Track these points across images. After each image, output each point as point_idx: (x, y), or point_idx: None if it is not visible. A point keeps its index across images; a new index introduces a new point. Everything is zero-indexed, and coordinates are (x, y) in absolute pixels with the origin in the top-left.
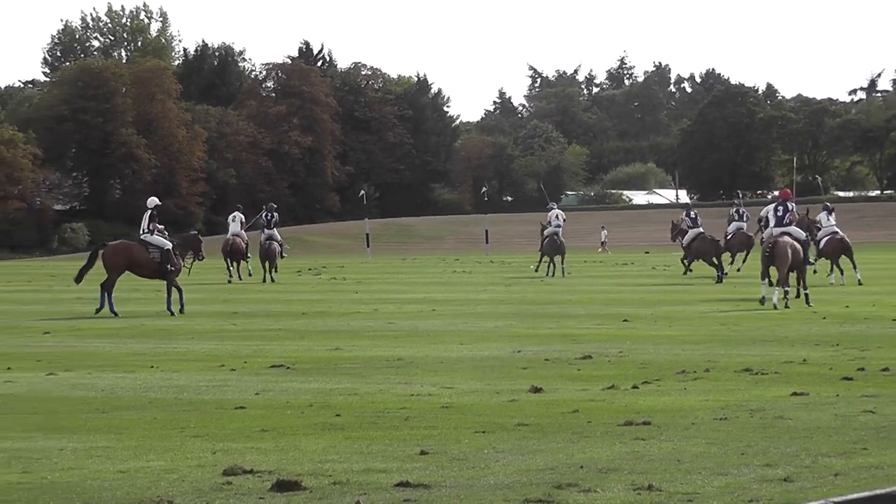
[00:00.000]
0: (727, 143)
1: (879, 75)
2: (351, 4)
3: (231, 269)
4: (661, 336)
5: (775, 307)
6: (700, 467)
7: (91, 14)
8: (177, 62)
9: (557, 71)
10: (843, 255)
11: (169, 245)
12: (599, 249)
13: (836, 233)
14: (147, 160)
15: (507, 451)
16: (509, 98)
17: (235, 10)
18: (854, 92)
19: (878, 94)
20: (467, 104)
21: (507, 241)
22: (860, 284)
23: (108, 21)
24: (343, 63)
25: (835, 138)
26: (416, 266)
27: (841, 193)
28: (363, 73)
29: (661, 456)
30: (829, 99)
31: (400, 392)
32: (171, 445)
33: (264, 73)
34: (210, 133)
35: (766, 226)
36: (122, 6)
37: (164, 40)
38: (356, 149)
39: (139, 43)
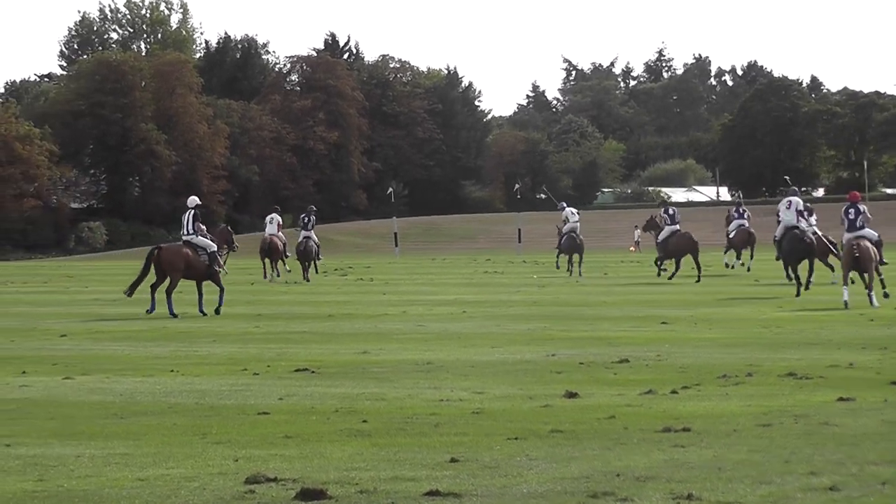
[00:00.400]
0: (770, 138)
1: None
2: None
3: (267, 268)
4: (700, 339)
5: (846, 304)
6: (742, 475)
7: (109, 5)
8: (198, 55)
9: (593, 63)
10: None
11: (214, 246)
12: (632, 248)
13: (816, 232)
14: (167, 157)
15: (541, 459)
16: (543, 92)
17: (259, 1)
18: None
19: None
20: (499, 98)
21: (539, 241)
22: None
23: (127, 12)
24: (370, 56)
25: (882, 133)
26: (445, 266)
27: (889, 190)
28: (391, 66)
29: (701, 464)
30: (877, 92)
31: (429, 397)
32: (192, 452)
33: (288, 66)
34: (232, 128)
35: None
36: None
37: (184, 32)
38: (384, 144)
39: (159, 35)
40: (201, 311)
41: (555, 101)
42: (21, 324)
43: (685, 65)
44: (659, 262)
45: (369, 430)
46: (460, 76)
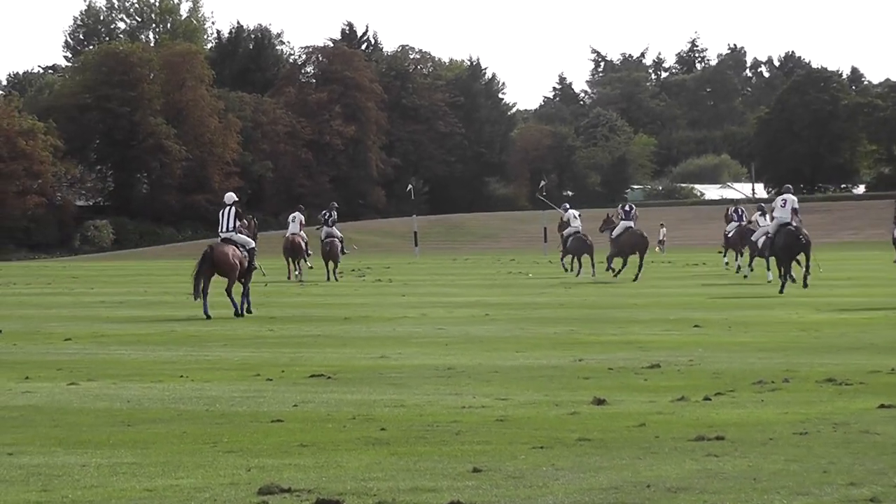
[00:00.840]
0: (808, 132)
1: None
2: None
3: (291, 267)
4: (735, 343)
5: None
6: (778, 486)
7: None
8: (209, 46)
9: (623, 54)
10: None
11: (253, 243)
12: (657, 249)
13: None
14: (177, 152)
15: (567, 469)
16: (570, 84)
17: None
18: None
19: None
20: (524, 91)
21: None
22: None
23: (135, 1)
24: (389, 46)
25: None
26: (467, 267)
27: None
28: (411, 56)
29: (735, 474)
30: None
31: (450, 404)
32: (203, 461)
33: (304, 57)
34: (245, 122)
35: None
36: None
37: (195, 22)
38: (403, 139)
39: (168, 25)
40: (249, 310)
41: (582, 94)
42: (24, 327)
43: (719, 55)
44: (610, 260)
45: (387, 439)
46: (483, 67)
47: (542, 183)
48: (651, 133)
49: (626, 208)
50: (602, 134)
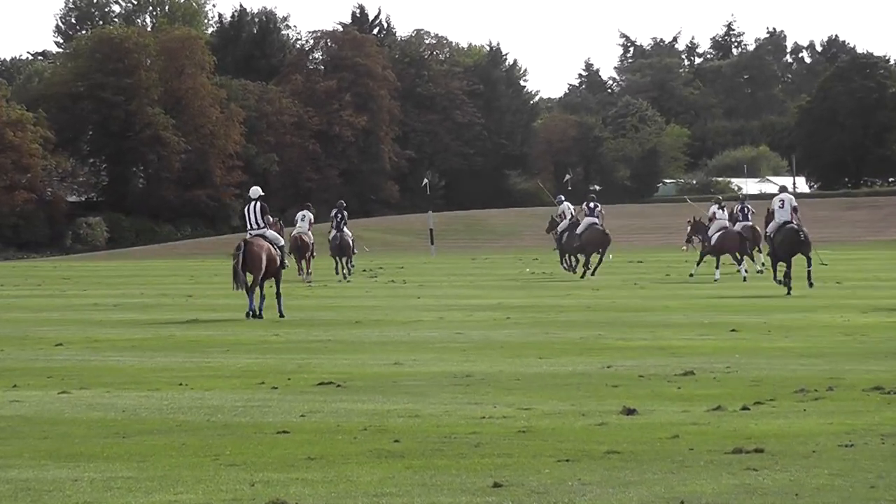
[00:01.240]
0: (853, 122)
1: None
2: None
3: (297, 266)
4: (775, 348)
5: None
6: (822, 502)
7: None
8: (210, 30)
9: (654, 39)
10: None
11: (282, 241)
12: (684, 248)
13: (728, 226)
14: (175, 144)
15: (595, 484)
16: (597, 70)
17: None
18: None
19: None
20: (548, 78)
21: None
22: (744, 280)
23: None
24: (403, 31)
25: None
26: (488, 266)
27: None
28: (426, 42)
29: (776, 489)
30: None
31: (469, 414)
32: (203, 476)
33: (311, 42)
34: (248, 112)
35: (772, 218)
36: None
37: (195, 5)
38: (418, 130)
39: (166, 8)
40: (259, 313)
41: (610, 81)
42: (12, 331)
43: (757, 40)
44: (567, 257)
45: (402, 451)
46: (504, 53)
47: (567, 177)
48: (684, 123)
49: (591, 205)
50: (631, 124)
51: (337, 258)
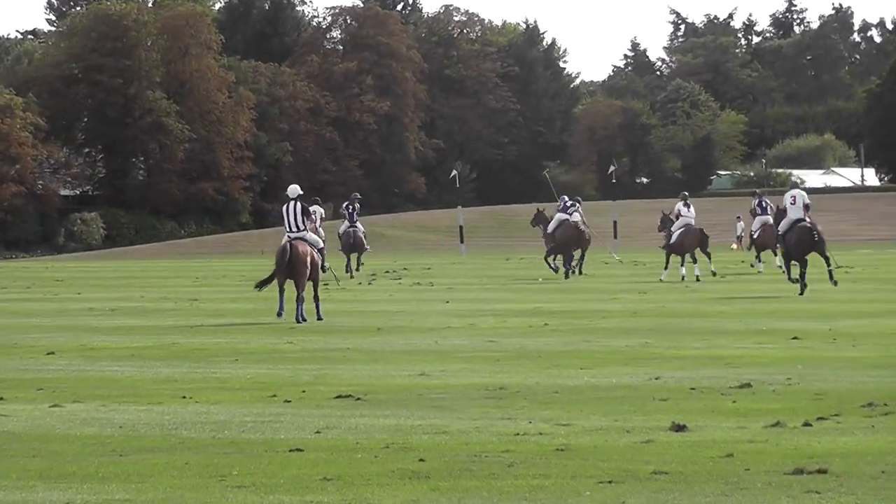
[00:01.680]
0: None
1: None
2: None
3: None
4: (841, 358)
5: None
6: None
7: None
8: (217, 6)
9: (707, 16)
10: (698, 248)
11: (322, 243)
12: (734, 246)
13: (691, 224)
14: (179, 132)
15: None
16: (644, 51)
17: None
18: None
19: None
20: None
21: (640, 236)
22: (714, 275)
23: None
24: (430, 7)
25: None
26: (523, 267)
27: None
28: (456, 19)
29: None
30: None
31: (502, 430)
32: (208, 498)
33: (329, 20)
34: (259, 97)
35: (783, 216)
36: None
37: None
38: (447, 117)
39: None
40: (301, 317)
41: (659, 63)
42: None
43: (821, 17)
44: (548, 258)
45: (427, 471)
46: (541, 32)
47: (612, 168)
48: (741, 109)
49: (568, 203)
50: (682, 110)
51: (348, 255)
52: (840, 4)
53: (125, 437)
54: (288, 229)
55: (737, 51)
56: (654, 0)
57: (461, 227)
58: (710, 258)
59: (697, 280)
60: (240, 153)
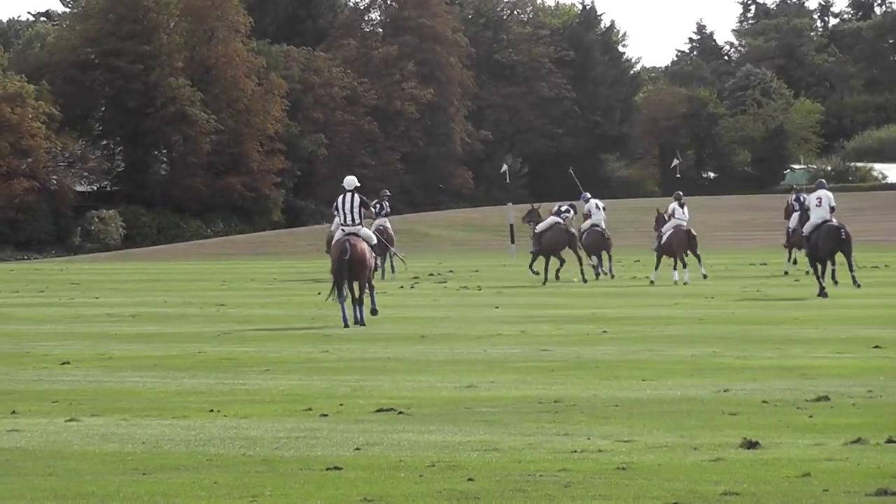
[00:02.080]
0: None
1: None
2: None
3: None
4: None
5: None
6: None
7: None
8: None
9: None
10: (688, 250)
11: (374, 238)
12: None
13: (681, 225)
14: (204, 122)
15: None
16: (711, 34)
17: None
18: None
19: None
20: (652, 43)
21: (708, 235)
22: (705, 278)
23: None
24: None
25: None
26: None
27: None
28: (505, 0)
29: None
30: None
31: (557, 447)
32: None
33: (367, 0)
34: (291, 85)
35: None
36: None
37: None
38: (496, 106)
39: None
40: (374, 310)
41: (728, 47)
42: (10, 347)
43: None
44: (533, 261)
45: (476, 492)
46: (599, 13)
47: (676, 162)
48: (816, 97)
49: (564, 207)
50: (753, 99)
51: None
52: None
53: (148, 453)
54: (343, 222)
55: (812, 34)
56: None
57: (511, 226)
58: (700, 260)
59: (685, 283)
60: (270, 145)
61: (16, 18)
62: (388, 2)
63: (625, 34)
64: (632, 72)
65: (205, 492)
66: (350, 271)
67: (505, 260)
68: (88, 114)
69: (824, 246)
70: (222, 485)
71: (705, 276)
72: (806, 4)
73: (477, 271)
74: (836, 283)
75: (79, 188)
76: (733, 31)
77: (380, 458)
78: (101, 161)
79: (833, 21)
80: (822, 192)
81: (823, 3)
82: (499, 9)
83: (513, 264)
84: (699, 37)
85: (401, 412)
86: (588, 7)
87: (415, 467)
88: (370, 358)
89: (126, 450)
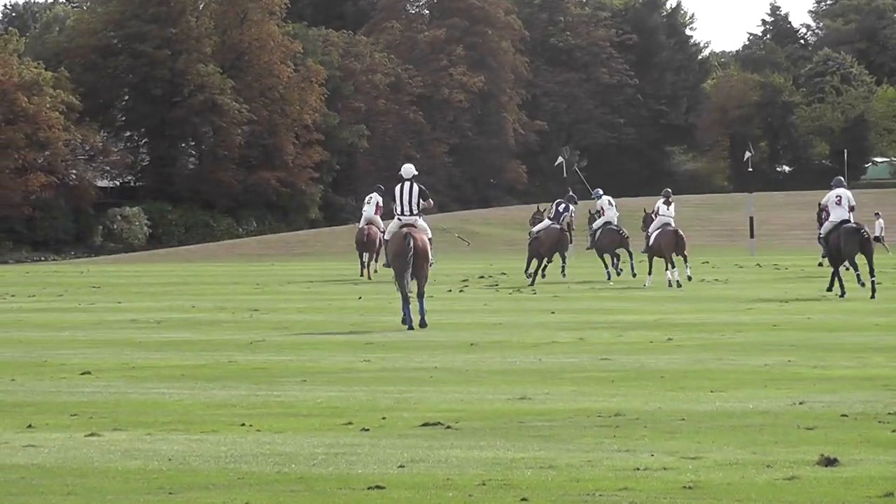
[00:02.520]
0: None
1: None
2: None
3: (366, 263)
4: None
5: None
6: None
7: None
8: None
9: None
10: (676, 251)
11: (430, 231)
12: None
13: (668, 225)
14: (236, 112)
15: None
16: (786, 16)
17: None
18: None
19: None
20: (722, 25)
21: (782, 235)
22: (689, 280)
23: None
24: None
25: None
26: (640, 272)
27: None
28: None
29: None
30: None
31: (618, 464)
32: None
33: None
34: (330, 71)
35: (828, 217)
36: None
37: None
38: (552, 94)
39: None
40: (423, 322)
41: (804, 30)
42: (26, 355)
43: None
44: (529, 266)
45: None
46: None
47: (748, 155)
48: None
49: (561, 207)
50: (832, 86)
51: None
52: None
53: (174, 471)
54: (400, 212)
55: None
56: None
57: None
58: (686, 261)
59: (679, 286)
60: (307, 137)
61: (33, 1)
62: None
63: (692, 16)
64: (700, 56)
65: None
66: (412, 266)
67: (559, 261)
68: (111, 103)
69: (846, 248)
70: None
71: (690, 279)
72: None
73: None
74: (862, 285)
75: (100, 183)
76: (810, 12)
77: (425, 477)
78: (125, 154)
79: None
80: (841, 191)
81: None
82: None
83: (570, 265)
84: (773, 19)
85: (448, 426)
86: None
87: (464, 486)
88: (415, 367)
89: (151, 467)
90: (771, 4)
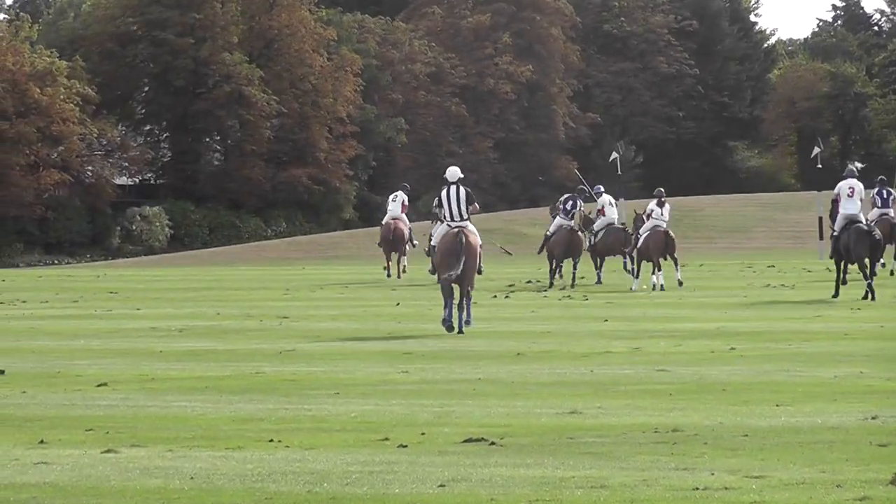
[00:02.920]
0: None
1: None
2: None
3: (392, 262)
4: None
5: None
6: None
7: None
8: None
9: None
10: (665, 254)
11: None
12: None
13: (659, 226)
14: (264, 104)
15: None
16: (858, 1)
17: None
18: None
19: None
20: (789, 11)
21: None
22: (680, 285)
23: None
24: None
25: None
26: (702, 275)
27: None
28: None
29: None
30: None
31: (677, 484)
32: None
33: None
34: (366, 60)
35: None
36: None
37: None
38: (605, 85)
39: None
40: (468, 322)
41: (878, 16)
42: (38, 366)
43: None
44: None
45: None
46: None
47: (817, 150)
48: None
49: (569, 205)
50: None
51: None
52: None
53: (197, 490)
54: (450, 217)
55: None
56: None
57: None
58: (677, 264)
59: (661, 289)
60: (341, 131)
61: None
62: None
63: (757, 1)
64: (765, 45)
65: None
66: (462, 266)
67: (616, 265)
68: (129, 95)
69: (856, 250)
70: None
71: (681, 283)
72: None
73: (583, 278)
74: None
75: (118, 181)
76: None
77: (468, 496)
78: (144, 150)
79: None
80: (854, 182)
81: None
82: None
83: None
84: (844, 4)
85: (493, 443)
86: None
87: None
88: (457, 379)
89: (172, 486)
90: None
